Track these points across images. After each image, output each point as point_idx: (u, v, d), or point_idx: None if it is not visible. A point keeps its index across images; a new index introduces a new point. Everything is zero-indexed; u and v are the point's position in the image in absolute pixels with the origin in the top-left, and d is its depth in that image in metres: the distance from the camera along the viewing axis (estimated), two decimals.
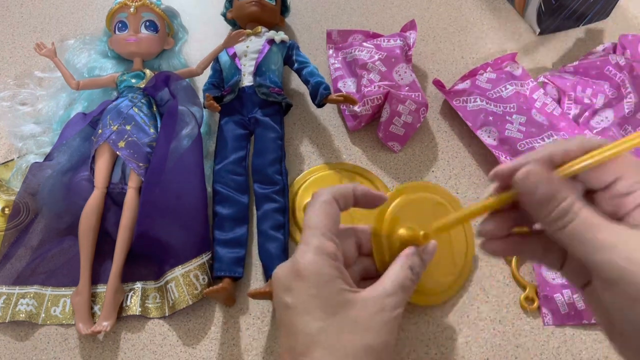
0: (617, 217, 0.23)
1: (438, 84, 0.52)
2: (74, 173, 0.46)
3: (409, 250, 0.32)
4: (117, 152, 0.44)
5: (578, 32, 0.60)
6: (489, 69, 0.53)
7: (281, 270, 0.30)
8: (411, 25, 0.55)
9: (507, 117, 0.48)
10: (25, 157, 0.49)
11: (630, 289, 0.20)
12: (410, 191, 0.37)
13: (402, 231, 0.33)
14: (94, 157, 0.45)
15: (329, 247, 0.29)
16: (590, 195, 0.24)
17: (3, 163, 0.50)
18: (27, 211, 0.45)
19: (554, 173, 0.23)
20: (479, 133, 0.48)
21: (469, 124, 0.49)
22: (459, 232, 0.41)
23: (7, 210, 0.46)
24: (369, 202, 0.32)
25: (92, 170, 0.45)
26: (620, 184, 0.23)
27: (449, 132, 0.52)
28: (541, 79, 0.52)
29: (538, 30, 0.60)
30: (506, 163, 0.25)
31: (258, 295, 0.37)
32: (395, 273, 0.30)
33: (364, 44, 0.53)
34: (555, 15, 0.57)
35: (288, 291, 0.28)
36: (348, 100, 0.46)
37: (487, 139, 0.48)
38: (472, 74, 0.53)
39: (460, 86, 0.52)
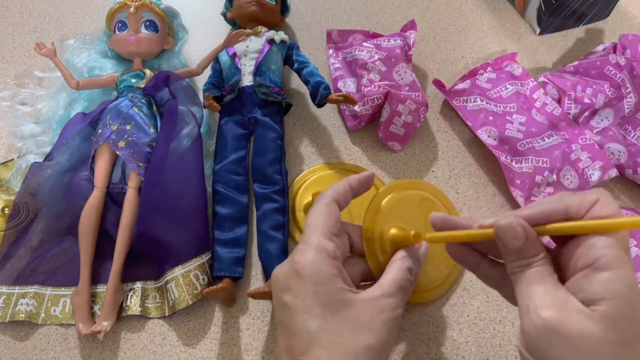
0: (569, 272, 0.25)
1: (438, 84, 0.52)
2: (74, 173, 0.46)
3: (404, 252, 0.32)
4: (117, 152, 0.44)
5: (578, 31, 0.60)
6: (489, 68, 0.53)
7: (280, 270, 0.30)
8: (411, 25, 0.55)
9: (507, 117, 0.48)
10: (25, 157, 0.49)
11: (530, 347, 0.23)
12: (397, 189, 0.37)
13: (393, 231, 0.33)
14: (93, 157, 0.45)
15: (328, 246, 0.29)
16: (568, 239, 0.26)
17: (3, 163, 0.50)
18: (27, 211, 0.45)
19: (530, 230, 0.25)
20: (479, 133, 0.48)
21: (469, 123, 0.49)
22: None
23: (7, 210, 0.46)
24: (364, 187, 0.33)
25: (92, 170, 0.45)
26: (592, 238, 0.24)
27: (449, 132, 0.52)
28: (541, 78, 0.52)
29: (538, 30, 0.60)
30: (489, 219, 0.27)
31: (258, 296, 0.37)
32: (393, 274, 0.30)
33: (364, 43, 0.53)
34: (555, 15, 0.57)
35: (287, 290, 0.28)
36: (348, 100, 0.46)
37: (488, 138, 0.48)
38: (472, 74, 0.53)
39: (460, 86, 0.52)
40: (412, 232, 0.32)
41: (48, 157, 0.47)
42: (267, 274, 0.41)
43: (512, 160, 0.46)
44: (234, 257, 0.42)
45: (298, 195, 0.46)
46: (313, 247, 0.29)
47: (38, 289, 0.42)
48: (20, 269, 0.43)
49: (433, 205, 0.40)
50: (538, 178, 0.45)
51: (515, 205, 0.45)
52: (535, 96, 0.51)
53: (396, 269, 0.30)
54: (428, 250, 0.33)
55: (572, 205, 0.25)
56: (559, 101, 0.51)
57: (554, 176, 0.45)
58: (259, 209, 0.44)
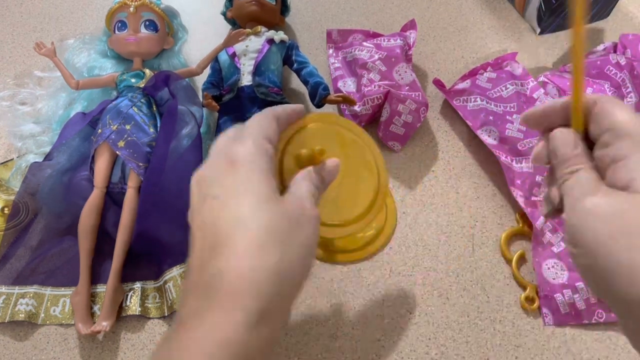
0: (601, 171, 0.25)
1: (438, 84, 0.52)
2: (74, 173, 0.46)
3: (306, 169, 0.29)
4: (117, 152, 0.44)
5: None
6: (489, 68, 0.53)
7: (206, 166, 0.27)
8: (411, 25, 0.55)
9: (507, 117, 0.48)
10: (24, 156, 0.49)
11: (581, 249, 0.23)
12: (327, 121, 0.34)
13: (302, 151, 0.30)
14: (93, 156, 0.45)
15: (267, 146, 0.26)
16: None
17: (3, 163, 0.50)
18: (26, 211, 0.45)
19: (575, 136, 0.26)
20: (479, 133, 0.48)
21: (469, 123, 0.49)
22: (370, 175, 0.36)
23: (6, 210, 0.46)
24: (290, 118, 0.31)
25: (91, 170, 0.45)
26: (603, 136, 0.25)
27: (449, 131, 0.51)
28: (541, 78, 0.52)
29: (538, 30, 0.59)
30: (536, 107, 0.28)
31: None
32: (299, 184, 0.27)
33: (364, 43, 0.53)
34: (555, 15, 0.57)
35: (216, 183, 0.25)
36: (347, 100, 0.46)
37: (488, 138, 0.48)
38: (472, 74, 0.53)
39: (461, 86, 0.52)
40: (318, 148, 0.30)
41: (48, 156, 0.47)
42: None
43: (512, 161, 0.46)
44: None
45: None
46: (252, 140, 0.26)
47: (38, 289, 0.42)
48: (20, 269, 0.43)
49: (360, 150, 0.36)
50: (538, 178, 0.45)
51: (515, 205, 0.45)
52: (535, 96, 0.51)
53: (300, 179, 0.28)
54: (336, 168, 0.30)
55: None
56: None
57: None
58: None
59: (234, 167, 0.25)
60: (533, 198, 0.44)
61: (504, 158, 0.46)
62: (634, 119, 0.24)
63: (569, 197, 0.25)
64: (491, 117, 0.48)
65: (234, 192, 0.24)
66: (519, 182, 0.44)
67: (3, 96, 0.54)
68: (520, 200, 0.44)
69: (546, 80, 0.52)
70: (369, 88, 0.49)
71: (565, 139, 0.26)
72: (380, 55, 0.51)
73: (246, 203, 0.24)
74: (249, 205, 0.24)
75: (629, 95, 0.48)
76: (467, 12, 0.63)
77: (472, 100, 0.50)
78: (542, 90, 0.51)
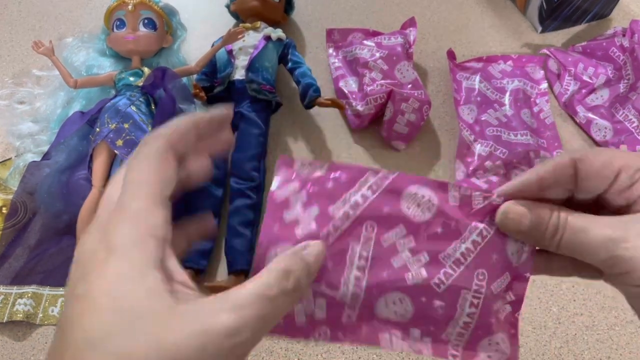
0: (631, 210, 0.22)
1: (450, 55, 0.53)
2: (72, 172, 0.46)
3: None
4: (115, 151, 0.44)
5: (580, 30, 0.60)
6: (509, 62, 0.54)
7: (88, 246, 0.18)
8: (410, 23, 0.55)
9: (494, 105, 0.49)
10: (23, 155, 0.49)
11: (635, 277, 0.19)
12: None
13: None
14: (91, 155, 0.45)
15: (154, 221, 0.18)
16: (601, 197, 0.23)
17: (1, 162, 0.50)
18: (25, 210, 0.45)
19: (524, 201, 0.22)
20: (460, 108, 0.49)
21: (456, 96, 0.50)
22: None
23: (4, 210, 0.45)
24: (213, 127, 0.21)
25: (90, 169, 0.45)
26: (621, 179, 0.22)
27: (449, 130, 0.51)
28: (544, 50, 0.53)
29: (540, 29, 0.59)
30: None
31: (216, 289, 0.37)
32: (256, 281, 0.18)
33: (365, 42, 0.53)
34: (556, 14, 0.57)
35: (83, 278, 0.17)
36: (336, 104, 0.46)
37: (466, 116, 0.49)
38: (490, 60, 0.53)
39: (471, 64, 0.53)
40: None
41: (46, 156, 0.47)
42: (230, 269, 0.41)
43: (475, 141, 0.46)
44: (200, 250, 0.42)
45: None
46: (132, 218, 0.18)
47: (36, 288, 0.42)
48: (18, 269, 0.42)
49: None
50: (488, 164, 0.45)
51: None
52: (537, 101, 0.51)
53: (265, 270, 0.18)
54: (323, 253, 0.20)
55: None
56: (559, 76, 0.51)
57: (503, 170, 0.45)
58: (231, 203, 0.44)
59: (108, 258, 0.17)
60: (473, 179, 0.45)
61: (466, 132, 0.46)
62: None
63: (590, 249, 0.21)
64: (479, 99, 0.49)
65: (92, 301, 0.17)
66: (469, 159, 0.45)
67: (1, 95, 0.54)
68: (459, 175, 0.45)
69: (549, 53, 0.53)
70: (372, 87, 0.49)
71: (519, 207, 0.21)
72: (382, 54, 0.50)
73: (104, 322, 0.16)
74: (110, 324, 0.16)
75: (627, 77, 0.49)
76: (467, 10, 0.63)
77: (472, 79, 0.51)
78: (545, 98, 0.52)
